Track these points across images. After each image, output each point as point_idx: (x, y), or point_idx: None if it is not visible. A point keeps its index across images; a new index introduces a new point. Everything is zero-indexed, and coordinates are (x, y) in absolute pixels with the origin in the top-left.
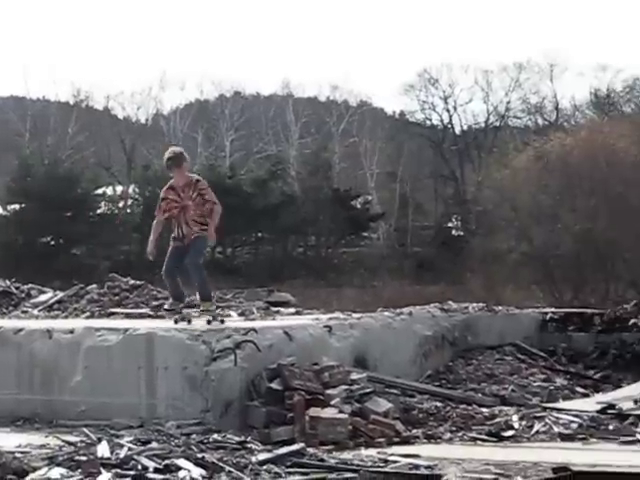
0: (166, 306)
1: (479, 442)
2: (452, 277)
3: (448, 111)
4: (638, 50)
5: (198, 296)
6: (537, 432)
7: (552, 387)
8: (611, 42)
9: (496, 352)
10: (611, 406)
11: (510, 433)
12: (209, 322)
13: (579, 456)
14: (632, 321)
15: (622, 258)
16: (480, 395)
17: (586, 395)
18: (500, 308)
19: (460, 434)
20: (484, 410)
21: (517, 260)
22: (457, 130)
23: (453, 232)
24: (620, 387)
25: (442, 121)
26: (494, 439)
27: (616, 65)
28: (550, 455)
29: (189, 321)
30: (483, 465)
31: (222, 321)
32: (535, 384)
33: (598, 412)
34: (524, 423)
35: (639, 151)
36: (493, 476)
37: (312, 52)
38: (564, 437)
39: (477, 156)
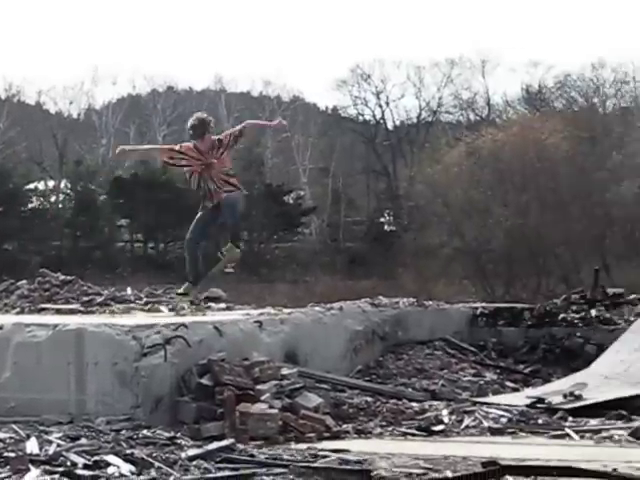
0: (180, 290)
1: (409, 437)
2: (384, 272)
3: (380, 106)
4: (569, 46)
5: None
6: (467, 426)
7: (482, 382)
8: (542, 38)
9: (426, 347)
10: (540, 400)
11: (440, 428)
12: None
13: (508, 450)
14: (562, 316)
15: (553, 253)
16: (410, 390)
17: (516, 389)
18: (430, 303)
19: (390, 429)
20: (414, 405)
21: (449, 255)
22: (389, 125)
23: (385, 227)
24: (549, 381)
25: (374, 116)
26: (424, 434)
27: (547, 61)
28: (479, 449)
29: (194, 304)
30: (413, 460)
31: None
32: (465, 379)
33: (528, 406)
34: (454, 418)
35: (570, 146)
36: (422, 470)
37: (245, 47)
38: (494, 431)
39: (409, 151)
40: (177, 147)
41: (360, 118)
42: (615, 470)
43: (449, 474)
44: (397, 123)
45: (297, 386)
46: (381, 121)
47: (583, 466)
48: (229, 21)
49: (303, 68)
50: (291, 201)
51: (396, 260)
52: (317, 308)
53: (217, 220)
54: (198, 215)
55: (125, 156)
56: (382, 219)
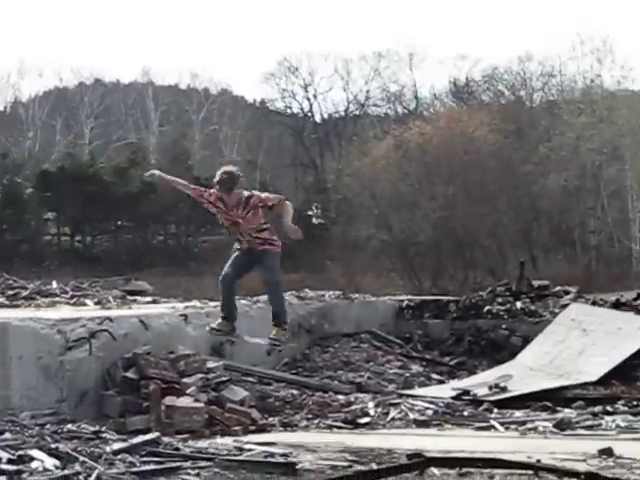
0: (214, 325)
1: (335, 429)
2: (312, 265)
3: (308, 99)
4: (496, 40)
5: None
6: (393, 419)
7: (408, 374)
8: (470, 32)
9: (352, 340)
10: (466, 392)
11: (366, 420)
12: (269, 353)
13: (434, 442)
14: (487, 308)
15: (480, 246)
16: (336, 382)
17: (441, 382)
18: (357, 296)
19: (316, 421)
20: (340, 397)
21: (376, 248)
22: (317, 118)
23: (313, 220)
24: (475, 373)
25: (302, 109)
26: (350, 426)
27: (475, 54)
28: (405, 441)
29: (232, 342)
30: (338, 452)
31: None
32: (391, 371)
33: (453, 398)
34: (380, 410)
35: (497, 139)
36: (348, 463)
37: (172, 40)
38: (419, 423)
39: (337, 144)
40: (206, 194)
41: (288, 111)
42: (539, 461)
43: (374, 466)
44: (325, 116)
45: (223, 379)
46: (309, 114)
47: (508, 457)
48: (157, 13)
49: (231, 61)
50: None
51: (324, 253)
52: (243, 301)
53: (251, 267)
54: (234, 255)
55: (155, 180)
56: (310, 212)
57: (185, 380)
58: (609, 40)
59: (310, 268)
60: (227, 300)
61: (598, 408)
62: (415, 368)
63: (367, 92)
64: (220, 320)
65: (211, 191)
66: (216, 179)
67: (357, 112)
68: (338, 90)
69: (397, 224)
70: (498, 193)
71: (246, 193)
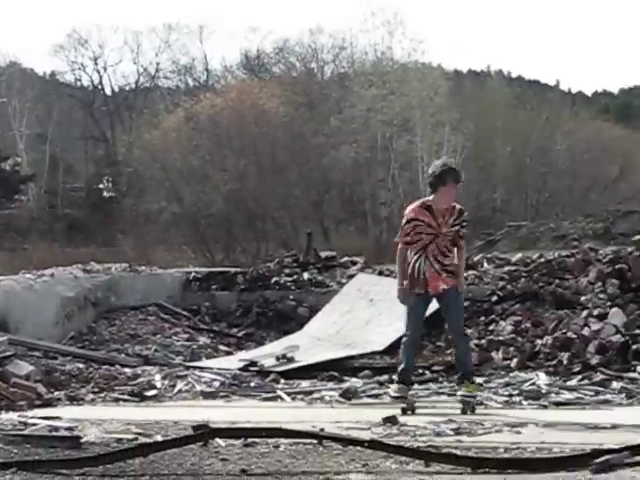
0: (392, 393)
1: (121, 402)
2: (104, 239)
3: (98, 72)
4: (287, 12)
5: (458, 374)
6: (180, 391)
7: (195, 346)
8: (261, 4)
9: (140, 312)
10: (253, 363)
11: (153, 393)
12: (466, 410)
13: (220, 413)
14: (275, 279)
15: (272, 218)
16: (123, 355)
17: (229, 353)
18: (143, 268)
19: (103, 395)
20: (127, 370)
21: (168, 221)
22: (108, 91)
23: (104, 193)
24: (263, 345)
25: (92, 82)
26: (136, 399)
27: (266, 27)
28: (192, 413)
29: (413, 411)
30: (124, 425)
31: (473, 409)
32: (179, 343)
33: (240, 369)
34: (167, 382)
35: (288, 112)
36: (133, 436)
37: None
38: (206, 395)
39: (128, 117)
40: (407, 213)
41: (78, 84)
42: (322, 430)
43: (159, 438)
44: (115, 89)
45: (7, 354)
46: (99, 87)
47: (293, 427)
48: None
49: (19, 32)
50: (8, 168)
51: (115, 226)
52: (28, 275)
53: (425, 310)
54: (409, 307)
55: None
56: (101, 185)
57: None
58: (400, 12)
59: (101, 242)
60: (408, 364)
61: (384, 377)
62: (203, 340)
63: (157, 64)
64: (400, 386)
65: (413, 207)
66: (444, 169)
67: (148, 85)
68: (128, 62)
69: (188, 197)
70: (289, 165)
71: (456, 204)
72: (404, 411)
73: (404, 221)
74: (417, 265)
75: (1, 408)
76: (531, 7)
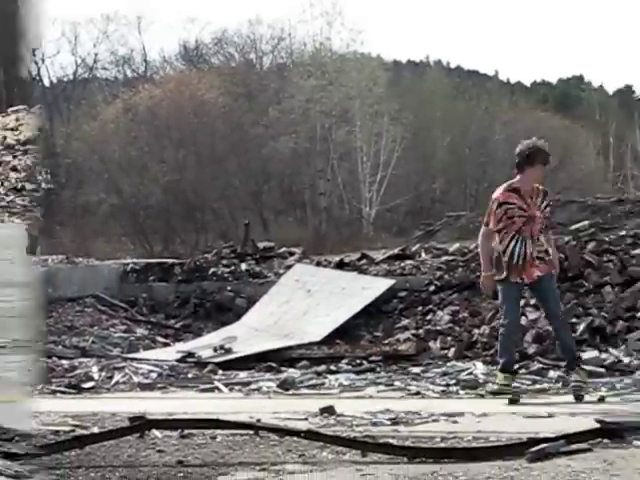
0: (494, 386)
1: (59, 394)
2: (43, 231)
3: (36, 63)
4: (226, 3)
5: (566, 362)
6: (117, 383)
7: (133, 337)
8: None
9: (77, 304)
10: (191, 355)
11: (90, 385)
12: (579, 398)
13: (158, 405)
14: (212, 270)
15: (211, 209)
16: (60, 347)
17: (167, 344)
18: (80, 260)
19: (40, 387)
20: (64, 362)
21: (107, 212)
22: (46, 82)
23: (43, 185)
24: (200, 336)
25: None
26: (74, 391)
27: (204, 17)
28: (129, 405)
29: (516, 400)
30: (61, 417)
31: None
32: (116, 335)
33: (178, 361)
34: (104, 374)
35: (227, 103)
36: (70, 428)
37: None
38: (144, 387)
39: (66, 108)
40: (496, 197)
41: None
42: (259, 421)
43: (96, 430)
44: (53, 80)
45: None
46: (37, 78)
47: (230, 418)
48: None
49: None
50: None
51: (54, 218)
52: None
53: (520, 296)
54: (503, 292)
55: (492, 281)
56: (39, 177)
57: None
58: (339, 3)
59: (41, 234)
60: (510, 350)
61: (322, 367)
62: (140, 331)
63: (95, 55)
64: (506, 375)
65: (500, 191)
66: (530, 150)
67: (86, 76)
68: (66, 53)
69: (127, 188)
70: (228, 156)
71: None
72: (511, 401)
73: (494, 206)
74: (512, 251)
75: None
76: None
